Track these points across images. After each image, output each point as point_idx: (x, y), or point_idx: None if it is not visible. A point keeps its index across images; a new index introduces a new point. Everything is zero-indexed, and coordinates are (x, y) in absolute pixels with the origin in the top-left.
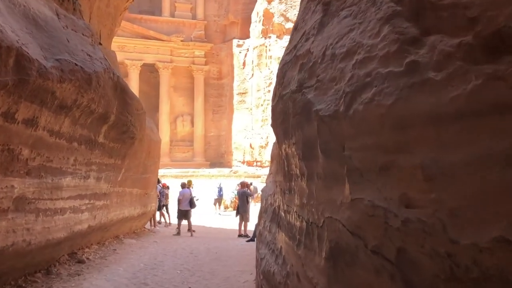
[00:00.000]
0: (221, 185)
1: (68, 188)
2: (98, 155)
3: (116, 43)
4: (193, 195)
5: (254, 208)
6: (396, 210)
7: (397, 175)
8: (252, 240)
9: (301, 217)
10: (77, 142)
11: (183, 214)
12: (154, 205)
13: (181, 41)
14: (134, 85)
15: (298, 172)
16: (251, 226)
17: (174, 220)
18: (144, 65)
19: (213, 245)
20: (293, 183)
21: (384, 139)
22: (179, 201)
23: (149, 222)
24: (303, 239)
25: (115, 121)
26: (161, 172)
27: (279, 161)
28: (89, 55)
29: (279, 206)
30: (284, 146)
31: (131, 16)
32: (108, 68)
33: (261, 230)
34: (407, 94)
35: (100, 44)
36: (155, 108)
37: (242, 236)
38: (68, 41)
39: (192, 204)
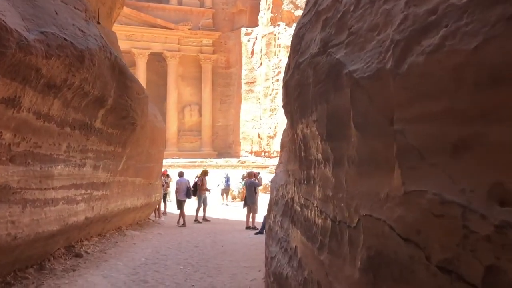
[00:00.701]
0: (228, 175)
1: (60, 177)
2: (95, 142)
3: (123, 32)
4: (206, 184)
5: (263, 199)
6: (483, 208)
7: (484, 156)
8: (260, 232)
9: (324, 214)
10: (70, 127)
11: (180, 204)
12: (159, 195)
13: (189, 29)
14: (141, 74)
15: (320, 157)
16: (259, 218)
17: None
18: (152, 54)
19: (219, 238)
20: (312, 171)
21: (462, 103)
22: (176, 191)
23: (154, 212)
24: (327, 241)
25: (113, 105)
26: (168, 162)
27: (292, 147)
28: (82, 31)
29: (292, 199)
30: (300, 126)
31: (139, 4)
32: (105, 46)
33: (271, 225)
34: (505, 31)
35: (99, 23)
36: (163, 97)
37: (250, 228)
38: (57, 13)
39: (188, 193)
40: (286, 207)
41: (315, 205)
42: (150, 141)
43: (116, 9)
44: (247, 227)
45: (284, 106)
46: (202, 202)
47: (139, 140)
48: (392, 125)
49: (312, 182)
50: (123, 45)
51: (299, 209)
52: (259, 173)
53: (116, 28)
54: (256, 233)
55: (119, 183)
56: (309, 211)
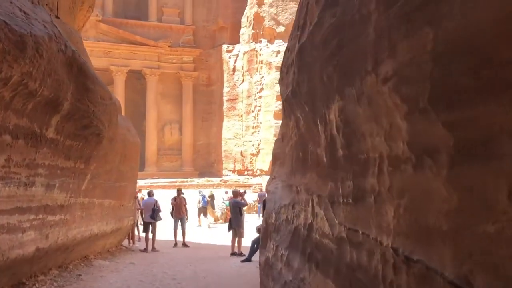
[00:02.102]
0: (203, 193)
1: None
2: (47, 155)
3: (101, 48)
4: (186, 204)
5: (248, 220)
6: None
7: None
8: (248, 260)
9: (414, 262)
10: (11, 135)
11: (146, 226)
12: (132, 218)
13: (169, 46)
14: (119, 92)
15: (400, 149)
16: (246, 242)
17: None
18: (130, 71)
19: (201, 267)
20: (371, 180)
21: None
22: (141, 212)
23: (127, 238)
24: None
25: (71, 111)
26: (147, 182)
27: (306, 149)
28: (25, 12)
29: (309, 226)
30: (337, 105)
31: (117, 20)
32: (58, 37)
33: (270, 259)
34: None
35: (57, 17)
36: (142, 116)
37: (235, 255)
38: None
39: (155, 215)
40: (295, 237)
41: (383, 242)
42: (121, 156)
43: (81, 6)
44: (233, 253)
45: (292, 93)
46: (180, 225)
47: (108, 155)
48: None
49: (373, 199)
50: (100, 62)
51: (333, 246)
52: (245, 192)
53: (93, 44)
54: (243, 261)
55: (83, 206)
56: (364, 252)
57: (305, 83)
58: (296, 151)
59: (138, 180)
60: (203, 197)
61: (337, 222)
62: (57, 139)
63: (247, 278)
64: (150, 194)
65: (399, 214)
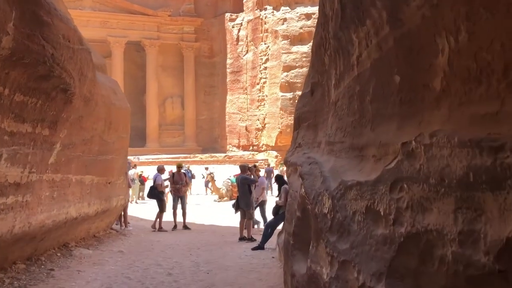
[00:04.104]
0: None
1: None
2: None
3: (98, 18)
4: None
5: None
6: None
7: None
8: (260, 247)
9: None
10: None
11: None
12: (123, 198)
13: (169, 16)
14: (118, 64)
15: None
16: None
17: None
18: (129, 42)
19: (203, 258)
20: None
21: None
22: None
23: (118, 220)
24: None
25: (17, 51)
26: (149, 158)
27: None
28: None
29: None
30: None
31: None
32: None
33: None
34: None
35: None
36: (142, 90)
37: (244, 240)
38: None
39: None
40: (403, 256)
41: None
42: (105, 123)
43: None
44: (241, 238)
45: None
46: (181, 204)
47: (84, 120)
48: None
49: None
50: (97, 32)
51: None
52: (255, 166)
53: (89, 14)
54: (255, 248)
55: (53, 184)
56: None
57: None
58: (379, 81)
59: (139, 157)
60: (187, 172)
61: None
62: (0, 93)
63: (261, 273)
64: (157, 169)
65: None
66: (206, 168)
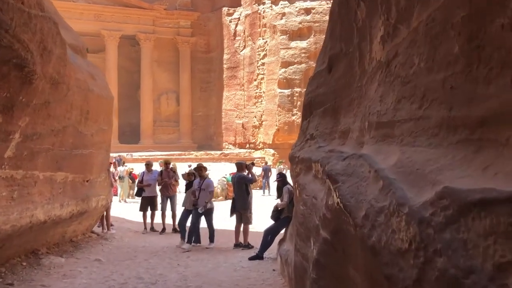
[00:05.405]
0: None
1: None
2: None
3: (92, 11)
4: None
5: (256, 200)
6: None
7: None
8: (259, 257)
9: None
10: None
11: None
12: (105, 197)
13: (165, 9)
14: (112, 59)
15: None
16: (258, 227)
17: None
18: (123, 36)
19: (192, 269)
20: None
21: None
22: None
23: (100, 222)
24: None
25: None
26: (142, 155)
27: None
28: None
29: None
30: None
31: None
32: None
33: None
34: None
35: None
36: (137, 85)
37: (240, 247)
38: None
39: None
40: None
41: None
42: (81, 112)
43: None
44: (237, 245)
45: None
46: (170, 205)
47: (52, 107)
48: None
49: None
50: (91, 26)
51: None
52: (253, 164)
53: (83, 7)
54: (252, 258)
55: (12, 182)
56: None
57: None
58: None
59: (132, 154)
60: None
61: None
62: None
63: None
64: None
65: None
66: (189, 166)
